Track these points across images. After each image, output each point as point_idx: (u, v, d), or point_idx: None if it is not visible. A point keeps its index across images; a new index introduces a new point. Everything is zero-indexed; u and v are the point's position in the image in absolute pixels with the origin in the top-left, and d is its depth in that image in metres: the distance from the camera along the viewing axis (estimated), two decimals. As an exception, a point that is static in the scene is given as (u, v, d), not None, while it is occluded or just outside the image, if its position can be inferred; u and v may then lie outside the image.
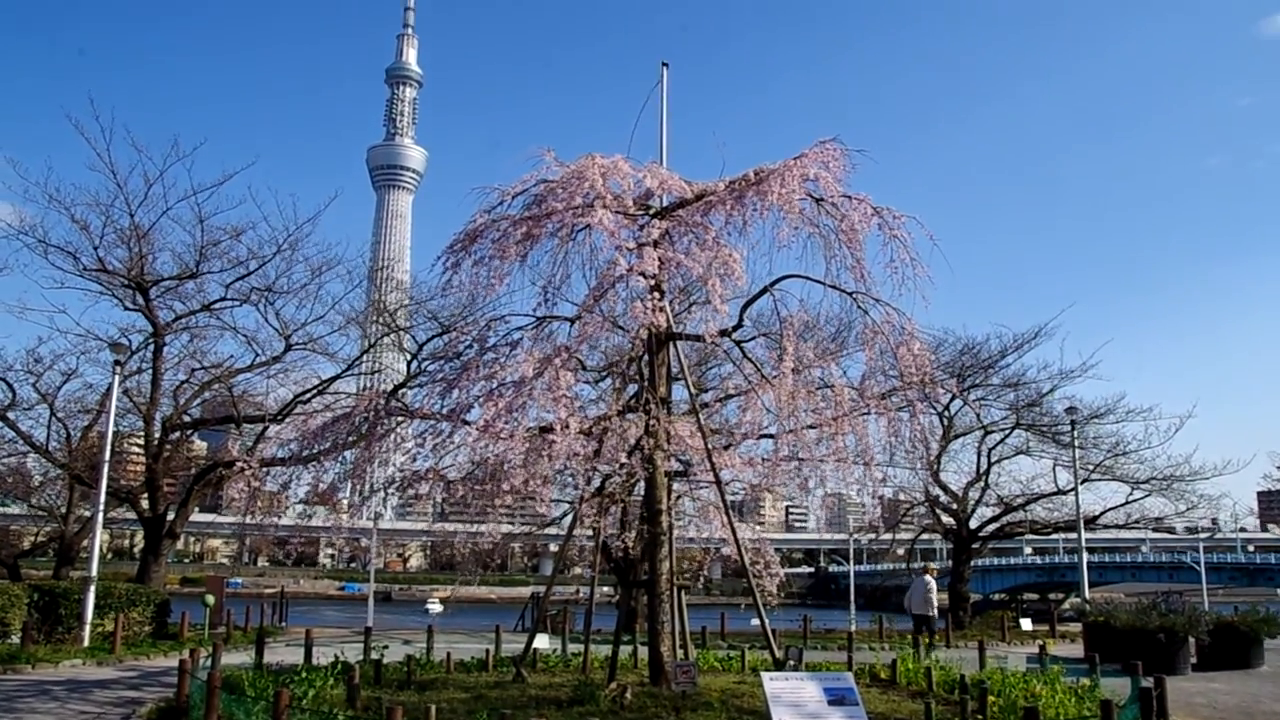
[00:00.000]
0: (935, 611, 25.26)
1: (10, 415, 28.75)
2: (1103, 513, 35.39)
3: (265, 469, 19.73)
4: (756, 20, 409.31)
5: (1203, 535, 67.86)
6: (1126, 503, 34.90)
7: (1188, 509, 36.01)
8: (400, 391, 25.83)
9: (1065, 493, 33.90)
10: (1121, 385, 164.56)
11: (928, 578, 25.29)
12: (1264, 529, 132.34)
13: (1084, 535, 32.32)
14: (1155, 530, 47.82)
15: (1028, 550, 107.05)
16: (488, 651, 17.45)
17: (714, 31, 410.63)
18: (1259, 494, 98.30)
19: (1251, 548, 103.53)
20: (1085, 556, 33.10)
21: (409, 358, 29.32)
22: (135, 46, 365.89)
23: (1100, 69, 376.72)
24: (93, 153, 26.13)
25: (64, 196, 26.22)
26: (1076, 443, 31.60)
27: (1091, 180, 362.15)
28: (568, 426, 11.66)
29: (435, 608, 77.59)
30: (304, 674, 14.20)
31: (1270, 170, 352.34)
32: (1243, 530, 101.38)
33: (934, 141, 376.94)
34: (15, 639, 20.81)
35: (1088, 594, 32.13)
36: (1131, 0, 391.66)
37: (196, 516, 34.84)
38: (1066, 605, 62.99)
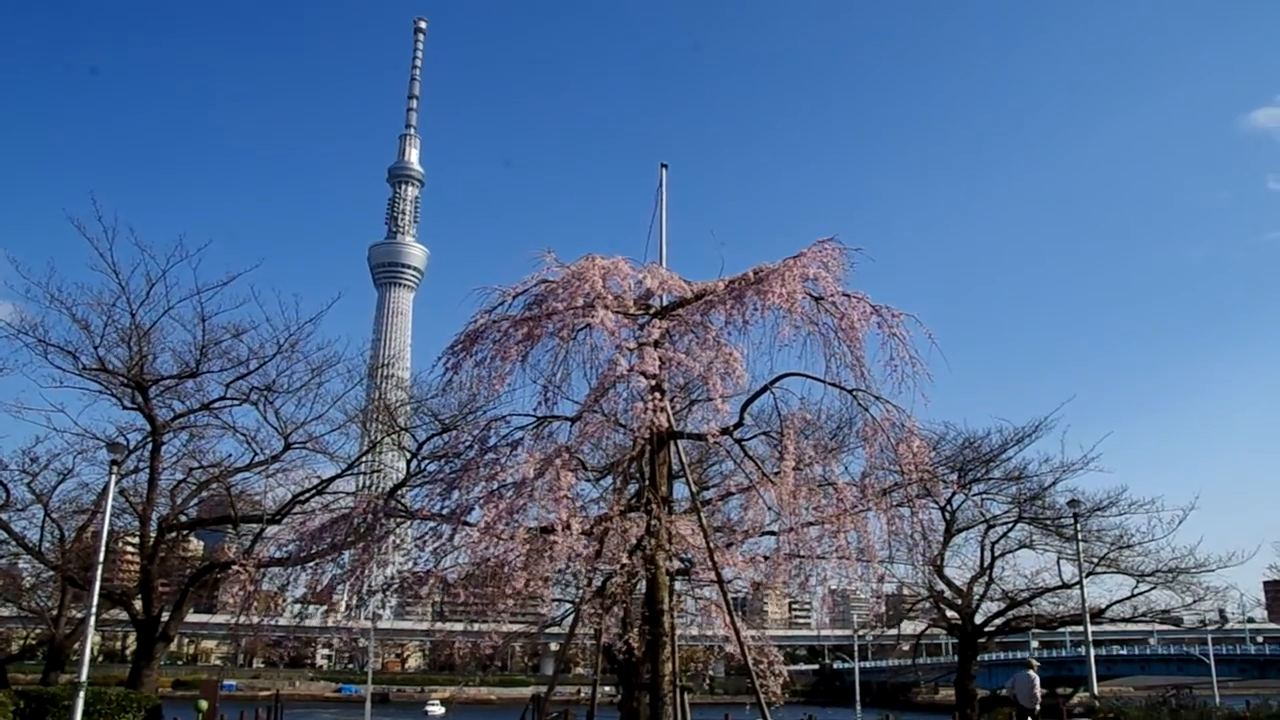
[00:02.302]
0: (1037, 705, 24.85)
1: (3, 516, 28.51)
2: (1109, 606, 35.02)
3: (262, 570, 19.50)
4: (755, 121, 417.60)
5: (1211, 627, 66.91)
6: (1132, 596, 34.59)
7: (1194, 601, 35.68)
8: (400, 491, 25.65)
9: (1070, 586, 33.60)
10: (1123, 478, 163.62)
11: (1031, 672, 24.94)
12: (1272, 620, 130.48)
13: (1090, 628, 31.89)
14: (1162, 623, 47.20)
15: (1034, 644, 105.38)
16: (487, 758, 17.10)
17: (714, 130, 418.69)
18: (1265, 584, 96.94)
19: (1260, 639, 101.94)
20: (1092, 650, 32.61)
21: (409, 456, 29.17)
22: (144, 153, 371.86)
23: (1082, 162, 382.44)
24: (94, 252, 26.23)
25: (65, 296, 26.06)
26: (1080, 536, 31.42)
27: (1082, 271, 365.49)
28: (569, 527, 11.62)
29: (435, 709, 75.91)
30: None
31: (1251, 262, 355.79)
32: (1251, 621, 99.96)
33: (928, 238, 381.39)
34: (2, 749, 20.34)
35: (1096, 688, 31.58)
36: (1110, 97, 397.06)
37: (191, 617, 34.23)
38: (1075, 700, 61.70)
